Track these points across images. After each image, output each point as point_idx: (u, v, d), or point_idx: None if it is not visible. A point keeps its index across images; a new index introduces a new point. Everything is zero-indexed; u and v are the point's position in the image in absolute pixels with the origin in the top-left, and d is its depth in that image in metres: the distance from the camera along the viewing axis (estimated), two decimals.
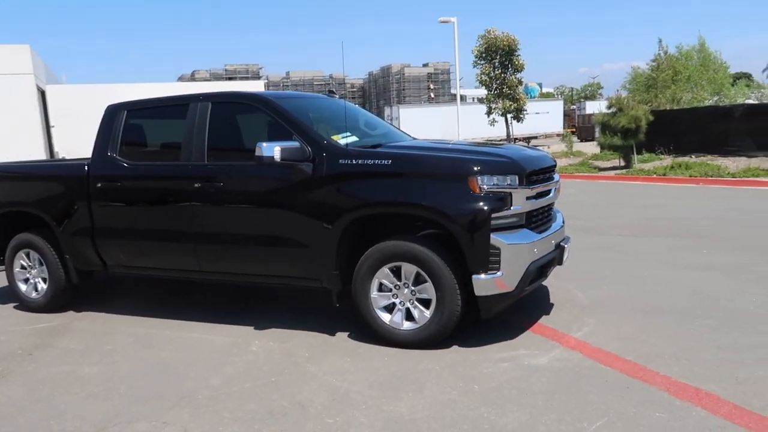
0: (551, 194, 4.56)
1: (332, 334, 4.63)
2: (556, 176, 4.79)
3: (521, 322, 4.62)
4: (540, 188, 4.32)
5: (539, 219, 4.42)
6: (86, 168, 5.30)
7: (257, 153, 4.23)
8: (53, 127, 37.54)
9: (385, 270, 4.23)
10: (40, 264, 5.67)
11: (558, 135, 48.73)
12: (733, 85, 28.63)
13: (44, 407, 3.66)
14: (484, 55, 26.21)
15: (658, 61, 27.29)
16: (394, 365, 3.98)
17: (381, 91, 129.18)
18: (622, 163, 19.08)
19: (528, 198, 4.15)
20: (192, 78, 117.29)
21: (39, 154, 32.74)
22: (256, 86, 46.41)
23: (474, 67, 26.87)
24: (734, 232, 7.85)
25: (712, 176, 14.11)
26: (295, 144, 4.36)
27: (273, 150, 4.21)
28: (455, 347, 4.20)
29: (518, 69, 26.42)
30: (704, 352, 3.89)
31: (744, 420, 3.01)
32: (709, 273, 5.80)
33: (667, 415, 3.11)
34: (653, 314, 4.67)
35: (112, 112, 5.34)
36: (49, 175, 5.68)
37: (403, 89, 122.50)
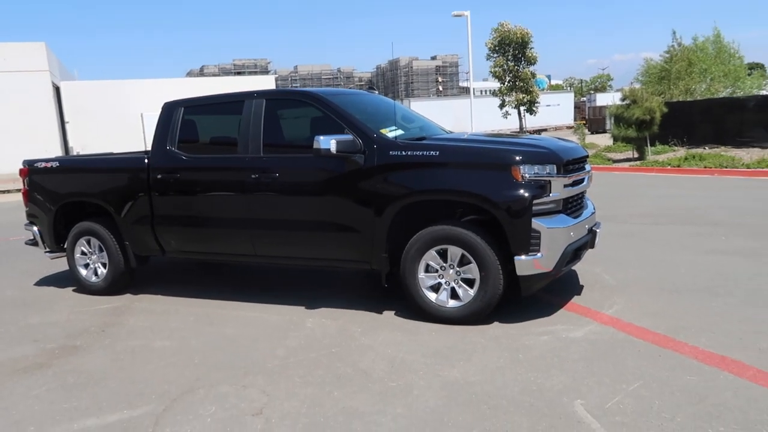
0: (584, 182, 4.92)
1: (379, 312, 5.02)
2: (588, 166, 5.13)
3: (555, 302, 4.98)
4: (575, 177, 4.67)
5: (574, 205, 4.78)
6: (146, 161, 5.70)
7: (315, 146, 4.61)
8: (68, 123, 37.84)
9: (432, 252, 4.61)
10: (100, 250, 6.09)
11: (568, 127, 48.87)
12: (749, 75, 28.73)
13: (130, 374, 4.07)
14: (497, 48, 26.45)
15: (671, 52, 27.39)
16: (442, 338, 4.36)
17: (389, 84, 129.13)
18: (636, 155, 19.35)
19: (565, 186, 4.50)
20: (201, 73, 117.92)
21: (55, 149, 33.15)
22: (266, 81, 46.57)
23: (487, 59, 27.14)
24: (750, 220, 8.15)
25: (726, 167, 14.37)
26: (349, 137, 4.73)
27: (329, 143, 4.58)
28: (496, 323, 4.57)
29: (531, 62, 26.65)
30: (728, 325, 4.24)
31: (766, 382, 3.37)
32: (728, 257, 6.13)
33: (698, 378, 3.47)
34: (678, 293, 5.03)
35: (170, 109, 5.73)
36: (111, 168, 6.07)
37: (412, 82, 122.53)
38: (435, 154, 4.58)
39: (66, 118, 36.92)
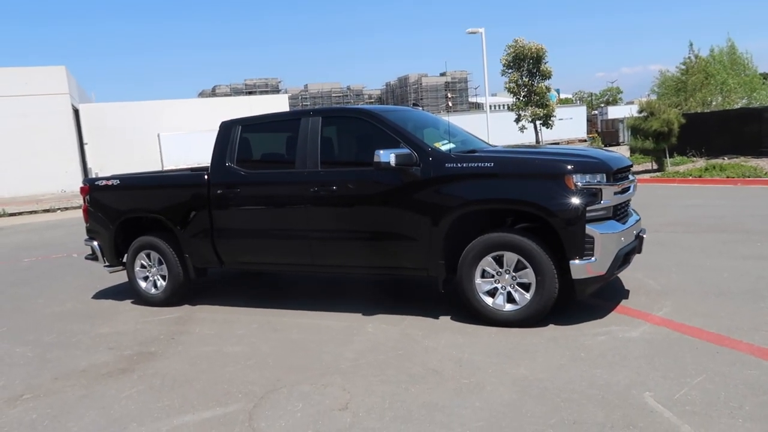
0: (631, 190, 5.14)
1: (436, 317, 5.24)
2: (632, 175, 5.36)
3: (605, 306, 5.18)
4: (623, 185, 4.90)
5: (621, 212, 5.00)
6: (206, 177, 5.99)
7: (375, 159, 4.88)
8: (86, 144, 38.40)
9: (489, 258, 4.84)
10: (160, 263, 6.37)
11: (581, 140, 49.16)
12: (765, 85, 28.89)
13: (212, 376, 4.31)
14: (512, 63, 26.83)
15: (687, 64, 27.62)
16: (502, 340, 4.57)
17: (398, 101, 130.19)
18: (655, 167, 19.49)
19: (615, 193, 4.74)
20: (213, 93, 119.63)
21: (75, 171, 33.65)
22: (279, 101, 47.03)
23: (502, 75, 27.49)
24: None
25: (749, 177, 14.49)
26: (406, 151, 5.00)
27: (390, 156, 4.86)
28: (552, 326, 4.78)
29: (546, 76, 26.96)
30: None
31: None
32: (767, 262, 6.30)
33: (758, 372, 3.66)
34: (724, 296, 5.21)
35: (227, 127, 6.03)
36: (172, 185, 6.39)
37: (421, 98, 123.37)
38: (490, 166, 4.83)
39: (85, 140, 37.77)
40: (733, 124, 20.40)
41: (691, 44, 28.29)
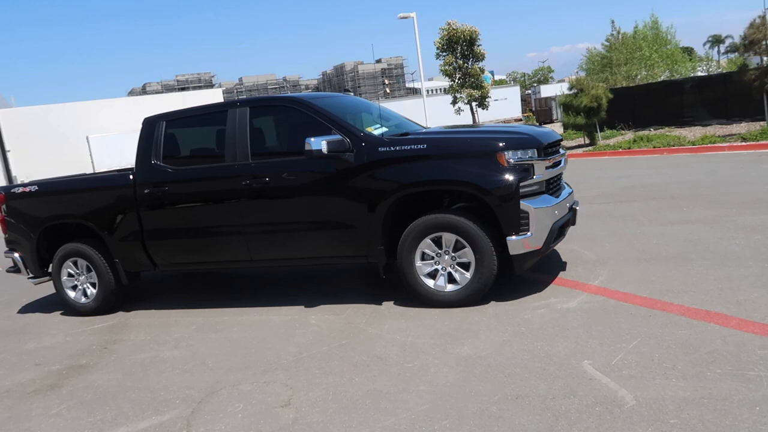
0: (562, 164, 5.22)
1: (379, 303, 5.19)
2: (563, 149, 5.44)
3: (544, 279, 5.27)
4: (554, 159, 4.97)
5: (554, 186, 5.08)
6: (131, 177, 5.70)
7: (306, 147, 4.76)
8: (9, 151, 36.47)
9: (427, 240, 4.81)
10: (88, 270, 6.05)
11: (517, 120, 50.20)
12: (690, 60, 30.30)
13: (147, 384, 4.12)
14: (446, 46, 26.96)
15: (611, 41, 28.63)
16: (445, 321, 4.57)
17: (335, 89, 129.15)
18: (587, 141, 20.10)
19: (546, 168, 4.79)
20: (143, 91, 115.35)
21: None
22: (214, 95, 45.71)
23: (437, 59, 27.59)
24: (704, 192, 8.69)
25: (673, 146, 15.14)
26: (338, 137, 4.89)
27: (321, 144, 4.74)
28: (493, 303, 4.82)
29: (479, 58, 27.24)
30: (706, 284, 4.60)
31: (749, 328, 3.71)
32: (693, 225, 6.57)
33: (688, 331, 3.79)
34: (655, 261, 5.39)
35: (151, 124, 5.75)
36: (95, 187, 6.03)
37: (359, 86, 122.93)
38: (422, 147, 4.79)
39: (6, 147, 35.62)
40: (657, 97, 21.27)
41: (613, 22, 29.56)
